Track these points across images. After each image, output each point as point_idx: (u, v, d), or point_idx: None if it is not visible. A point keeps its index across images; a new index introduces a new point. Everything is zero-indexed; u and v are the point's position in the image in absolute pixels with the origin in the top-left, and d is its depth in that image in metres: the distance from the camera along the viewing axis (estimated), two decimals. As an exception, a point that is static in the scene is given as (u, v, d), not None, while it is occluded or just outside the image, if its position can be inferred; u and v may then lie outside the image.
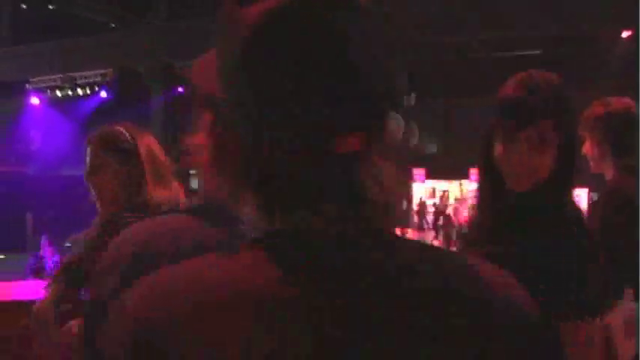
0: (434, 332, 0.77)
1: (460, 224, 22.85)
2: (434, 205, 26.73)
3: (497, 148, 1.77)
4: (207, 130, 0.90)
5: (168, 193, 2.29)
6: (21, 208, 20.71)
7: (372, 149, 0.79)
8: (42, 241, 14.86)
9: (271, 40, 0.76)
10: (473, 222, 2.02)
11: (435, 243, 16.37)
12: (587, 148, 2.73)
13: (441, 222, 25.05)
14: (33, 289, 3.21)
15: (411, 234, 16.65)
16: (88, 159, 2.45)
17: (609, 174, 2.74)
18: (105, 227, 2.38)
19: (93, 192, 2.46)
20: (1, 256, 17.54)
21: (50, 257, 13.98)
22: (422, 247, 0.86)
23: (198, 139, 0.91)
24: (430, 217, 26.26)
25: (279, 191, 0.78)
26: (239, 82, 0.78)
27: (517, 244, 1.69)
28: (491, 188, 1.84)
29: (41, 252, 14.44)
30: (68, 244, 14.71)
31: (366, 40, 0.78)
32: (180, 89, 20.10)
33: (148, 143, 2.40)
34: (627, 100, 2.73)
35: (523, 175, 1.74)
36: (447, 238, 18.61)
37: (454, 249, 11.73)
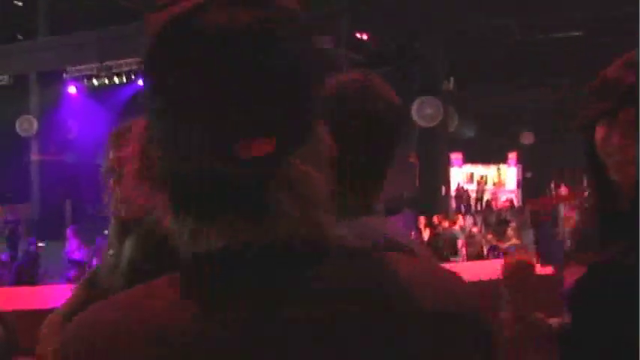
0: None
1: (499, 210, 22.62)
2: (464, 190, 26.44)
3: (597, 135, 1.58)
4: (136, 139, 0.90)
5: None
6: (60, 196, 20.86)
7: (287, 154, 0.76)
8: (68, 232, 14.84)
9: (172, 44, 0.75)
10: (579, 226, 1.82)
11: (474, 230, 16.22)
12: None
13: (479, 208, 24.84)
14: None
15: (460, 221, 16.49)
16: (112, 156, 2.24)
17: None
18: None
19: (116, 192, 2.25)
20: (42, 244, 17.69)
21: (76, 249, 14.00)
22: (338, 256, 0.82)
23: (131, 149, 0.89)
24: (470, 202, 26.05)
25: (189, 201, 0.78)
26: (149, 88, 0.77)
27: (626, 254, 1.52)
28: (598, 186, 1.67)
29: (67, 243, 14.45)
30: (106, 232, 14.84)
31: (278, 39, 0.75)
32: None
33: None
34: None
35: (625, 163, 1.53)
36: (487, 225, 18.37)
37: (490, 236, 11.57)
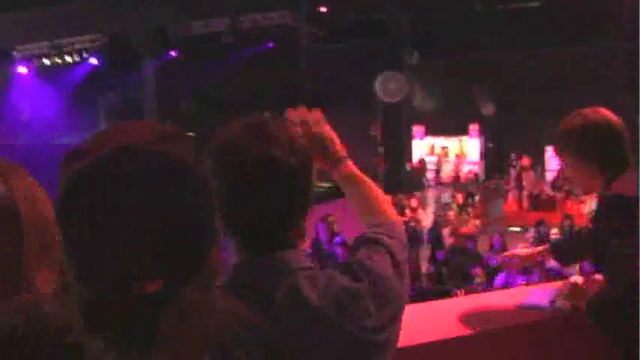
0: None
1: (463, 181, 22.62)
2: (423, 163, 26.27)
3: None
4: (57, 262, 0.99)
5: (56, 276, 1.25)
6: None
7: (177, 289, 0.89)
8: None
9: (74, 197, 0.88)
10: None
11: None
12: (572, 169, 2.47)
13: (438, 181, 24.78)
14: None
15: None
16: None
17: (600, 188, 2.45)
18: None
19: None
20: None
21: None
22: None
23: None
24: (430, 175, 25.95)
25: (97, 326, 0.88)
26: (59, 231, 0.89)
27: None
28: None
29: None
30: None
31: (161, 198, 0.87)
32: (173, 53, 19.56)
33: (32, 194, 1.34)
34: (602, 110, 2.48)
35: None
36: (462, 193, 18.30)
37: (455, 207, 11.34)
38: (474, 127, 26.17)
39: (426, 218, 14.50)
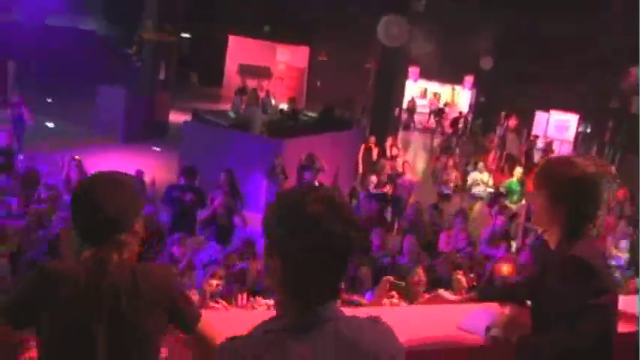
0: None
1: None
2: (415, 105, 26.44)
3: None
4: None
5: None
6: (3, 56, 19.69)
7: (119, 234, 2.10)
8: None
9: (82, 190, 2.17)
10: None
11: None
12: (541, 205, 2.46)
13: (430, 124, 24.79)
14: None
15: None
16: None
17: (555, 238, 2.47)
18: None
19: None
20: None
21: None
22: None
23: None
24: (422, 118, 26.11)
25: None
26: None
27: None
28: None
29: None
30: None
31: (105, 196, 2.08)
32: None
33: None
34: (590, 165, 2.42)
35: None
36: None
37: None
38: (468, 79, 26.12)
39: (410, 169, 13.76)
